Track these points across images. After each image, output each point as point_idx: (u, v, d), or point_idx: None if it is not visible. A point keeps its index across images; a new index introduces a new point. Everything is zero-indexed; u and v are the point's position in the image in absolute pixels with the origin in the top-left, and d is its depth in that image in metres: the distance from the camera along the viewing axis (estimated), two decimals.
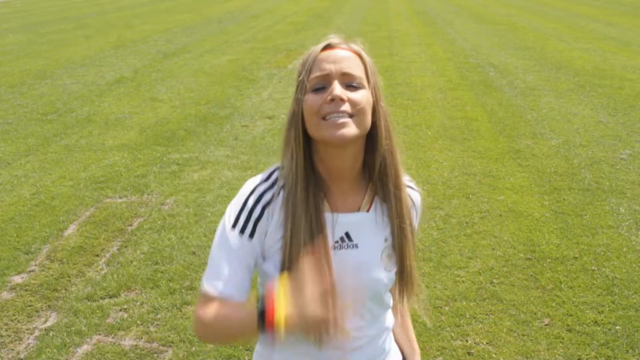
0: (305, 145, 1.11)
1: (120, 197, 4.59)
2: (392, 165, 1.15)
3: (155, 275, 3.44)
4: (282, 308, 0.98)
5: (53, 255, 3.71)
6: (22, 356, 2.80)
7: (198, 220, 4.14)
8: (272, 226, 1.12)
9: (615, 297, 3.14)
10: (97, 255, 3.72)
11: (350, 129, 1.07)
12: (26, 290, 3.34)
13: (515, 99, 7.28)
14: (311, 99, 1.09)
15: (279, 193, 1.13)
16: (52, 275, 3.48)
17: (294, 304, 0.98)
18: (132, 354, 2.79)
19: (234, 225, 1.12)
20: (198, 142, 5.87)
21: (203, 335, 1.16)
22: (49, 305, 3.20)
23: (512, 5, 19.11)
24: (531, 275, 3.36)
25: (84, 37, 13.92)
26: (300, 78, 1.11)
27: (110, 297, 3.24)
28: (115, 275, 3.44)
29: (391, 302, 1.32)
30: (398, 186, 1.16)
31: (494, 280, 3.33)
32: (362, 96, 1.10)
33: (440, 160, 5.20)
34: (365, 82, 1.12)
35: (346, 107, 1.07)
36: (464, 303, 3.12)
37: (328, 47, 1.13)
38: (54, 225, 4.14)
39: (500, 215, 4.11)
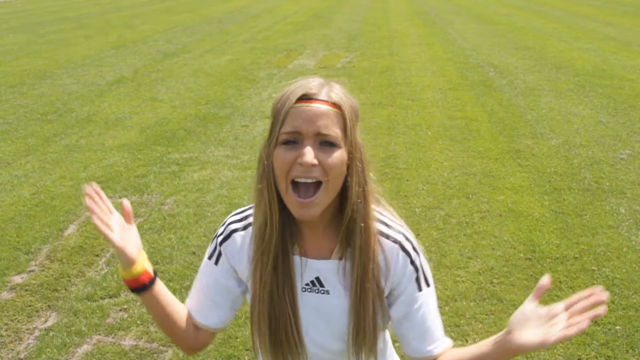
0: (277, 196, 1.07)
1: (120, 197, 4.59)
2: (362, 217, 1.08)
3: None
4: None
5: (53, 255, 3.71)
6: (22, 356, 2.80)
7: (198, 220, 4.14)
8: (240, 262, 1.19)
9: (615, 297, 3.14)
10: (97, 255, 3.72)
11: (317, 209, 1.03)
12: (26, 290, 3.34)
13: (515, 99, 7.28)
14: (281, 156, 1.02)
15: (246, 228, 1.18)
16: (52, 275, 3.48)
17: None
18: (132, 354, 2.79)
19: (209, 257, 1.25)
20: (198, 142, 5.87)
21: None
22: (49, 305, 3.20)
23: (512, 5, 19.11)
24: (531, 275, 3.36)
25: (84, 37, 13.92)
26: (272, 128, 1.05)
27: (110, 297, 3.24)
28: (115, 275, 3.44)
29: (387, 348, 1.30)
30: (365, 239, 1.09)
31: (494, 280, 3.33)
32: (336, 159, 1.02)
33: (440, 160, 5.20)
34: (341, 140, 1.03)
35: (316, 172, 1.01)
36: (464, 303, 3.12)
37: (305, 98, 1.02)
38: (54, 225, 4.14)
39: (500, 215, 4.11)
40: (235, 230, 1.19)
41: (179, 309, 1.24)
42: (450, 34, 13.05)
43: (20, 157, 5.61)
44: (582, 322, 0.99)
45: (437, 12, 17.86)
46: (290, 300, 1.11)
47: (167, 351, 2.80)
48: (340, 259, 1.11)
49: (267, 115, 6.91)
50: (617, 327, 2.89)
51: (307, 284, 1.14)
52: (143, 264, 1.18)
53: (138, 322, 3.01)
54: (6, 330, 2.99)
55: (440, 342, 1.23)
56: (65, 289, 3.34)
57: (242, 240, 1.17)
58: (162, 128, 6.41)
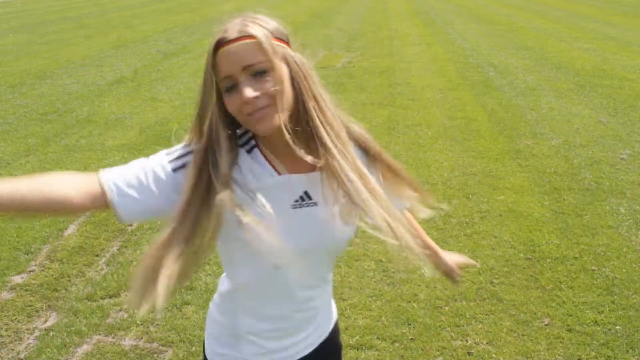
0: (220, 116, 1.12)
1: None
2: (324, 122, 1.13)
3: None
4: None
5: (53, 255, 3.71)
6: (22, 356, 2.80)
7: None
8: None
9: (615, 297, 3.14)
10: (97, 255, 3.72)
11: (275, 119, 1.09)
12: (26, 290, 3.34)
13: (515, 99, 7.28)
14: (229, 104, 1.10)
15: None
16: (52, 275, 3.49)
17: None
18: (132, 354, 2.79)
19: (170, 161, 1.16)
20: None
21: None
22: (49, 305, 3.20)
23: (512, 5, 19.11)
24: (531, 275, 3.36)
25: (84, 37, 13.92)
26: (208, 83, 1.11)
27: (110, 297, 3.24)
28: (115, 275, 3.44)
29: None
30: (337, 141, 1.13)
31: (494, 280, 3.33)
32: (273, 81, 1.08)
33: (440, 160, 5.20)
34: (269, 63, 1.08)
35: (262, 101, 1.08)
36: (464, 303, 3.12)
37: (221, 44, 1.09)
38: (54, 225, 4.14)
39: (500, 215, 4.11)
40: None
41: (35, 190, 1.04)
42: (450, 34, 13.05)
43: (20, 157, 5.61)
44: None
45: (437, 12, 17.86)
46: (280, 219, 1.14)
47: (167, 351, 2.80)
48: (322, 169, 1.14)
49: None
50: (617, 327, 2.89)
51: (296, 200, 1.18)
52: None
53: (138, 322, 3.01)
54: (6, 330, 2.99)
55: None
56: (65, 289, 3.34)
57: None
58: (162, 128, 6.41)
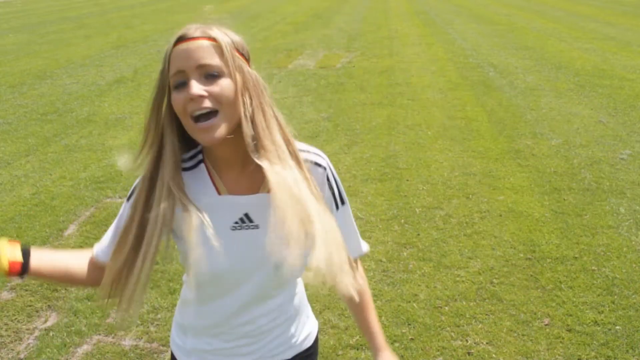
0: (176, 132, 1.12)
1: (120, 197, 4.59)
2: (271, 141, 1.09)
3: (155, 275, 3.44)
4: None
5: None
6: (22, 356, 2.80)
7: None
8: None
9: (615, 297, 3.14)
10: None
11: (219, 130, 1.06)
12: (26, 290, 3.34)
13: (515, 99, 7.28)
14: (175, 99, 1.08)
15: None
16: None
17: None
18: (132, 354, 2.79)
19: (127, 199, 1.21)
20: None
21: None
22: (49, 305, 3.20)
23: (512, 5, 19.11)
24: (531, 275, 3.36)
25: (84, 37, 13.92)
26: (160, 76, 1.10)
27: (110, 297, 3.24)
28: None
29: (297, 283, 1.35)
30: (281, 162, 1.09)
31: (494, 280, 3.33)
32: (224, 87, 1.06)
33: (440, 160, 5.20)
34: (224, 69, 1.07)
35: (208, 102, 1.06)
36: (464, 303, 3.12)
37: (181, 39, 1.09)
38: (54, 225, 4.14)
39: (500, 215, 4.11)
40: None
41: (72, 264, 1.24)
42: (450, 34, 13.05)
43: (20, 157, 5.61)
44: None
45: (437, 12, 17.86)
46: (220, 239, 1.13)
47: (167, 351, 2.80)
48: (269, 191, 1.09)
49: None
50: (617, 327, 2.90)
51: (235, 222, 1.16)
52: (5, 259, 1.12)
53: (138, 322, 3.01)
54: (6, 330, 2.99)
55: (362, 244, 1.33)
56: (65, 289, 3.34)
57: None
58: None
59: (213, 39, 1.08)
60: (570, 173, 4.84)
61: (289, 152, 1.11)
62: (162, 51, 9.70)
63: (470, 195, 4.45)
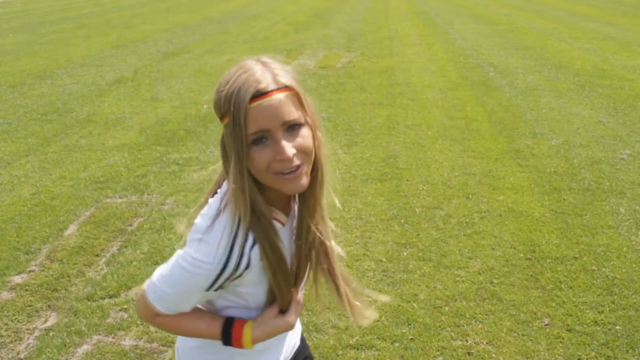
0: (255, 187, 1.10)
1: (120, 197, 4.59)
2: (323, 167, 1.15)
3: None
4: (248, 332, 1.19)
5: (53, 255, 3.71)
6: (22, 356, 2.80)
7: None
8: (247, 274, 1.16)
9: (615, 297, 3.14)
10: (97, 255, 3.72)
11: (305, 179, 1.08)
12: (26, 290, 3.34)
13: (515, 99, 7.28)
14: (257, 157, 1.04)
15: (247, 246, 1.13)
16: (52, 275, 3.48)
17: (259, 323, 1.20)
18: (132, 354, 2.79)
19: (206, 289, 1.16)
20: (198, 142, 5.87)
21: (158, 328, 1.33)
22: (49, 305, 3.20)
23: (512, 5, 19.11)
24: (531, 275, 3.36)
25: (84, 37, 13.92)
26: (233, 129, 1.02)
27: (110, 297, 3.24)
28: (115, 275, 3.44)
29: None
30: (318, 216, 1.19)
31: (494, 280, 3.33)
32: (306, 137, 1.06)
33: (440, 160, 5.20)
34: (304, 116, 1.06)
35: (297, 160, 1.05)
36: (464, 303, 3.12)
37: (257, 95, 1.01)
38: (54, 225, 4.14)
39: (500, 215, 4.11)
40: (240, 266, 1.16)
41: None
42: (450, 34, 13.05)
43: (20, 157, 5.61)
44: None
45: (437, 12, 17.86)
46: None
47: (167, 351, 2.80)
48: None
49: None
50: (617, 327, 2.89)
51: (294, 234, 1.23)
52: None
53: (138, 322, 3.01)
54: (6, 330, 2.99)
55: None
56: (65, 289, 3.34)
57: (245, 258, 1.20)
58: (162, 128, 6.41)
59: (289, 88, 1.04)
60: (570, 173, 4.84)
61: (326, 166, 1.19)
62: (162, 51, 9.65)
63: (470, 195, 4.45)
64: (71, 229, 4.08)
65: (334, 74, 8.88)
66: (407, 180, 4.76)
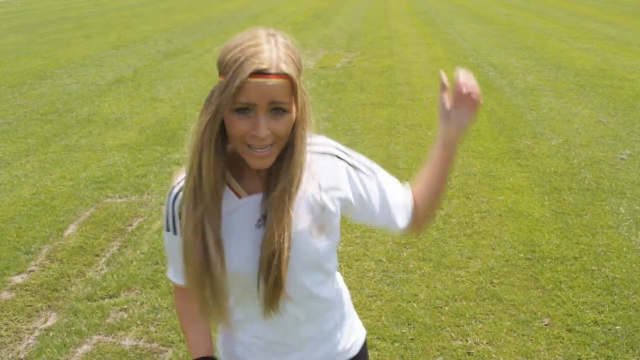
0: (218, 143, 1.13)
1: (120, 197, 4.59)
2: (297, 164, 1.16)
3: (155, 275, 3.44)
4: None
5: (53, 255, 3.71)
6: (22, 356, 2.80)
7: None
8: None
9: (615, 297, 3.14)
10: (97, 255, 3.72)
11: (272, 158, 1.13)
12: (26, 290, 3.34)
13: (515, 99, 7.28)
14: (236, 125, 1.09)
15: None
16: (52, 275, 3.48)
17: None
18: (132, 354, 2.79)
19: (166, 229, 1.26)
20: None
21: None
22: (49, 305, 3.20)
23: (512, 5, 19.11)
24: (531, 275, 3.36)
25: (84, 37, 13.92)
26: (224, 90, 1.07)
27: (110, 297, 3.24)
28: (115, 275, 3.44)
29: (330, 277, 1.34)
30: (295, 166, 1.17)
31: (494, 280, 3.33)
32: (286, 124, 1.11)
33: None
34: (292, 105, 1.11)
35: (269, 140, 1.10)
36: (464, 303, 3.12)
37: (258, 74, 1.06)
38: (54, 225, 4.14)
39: (500, 215, 4.11)
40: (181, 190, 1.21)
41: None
42: (450, 34, 13.05)
43: (20, 157, 5.61)
44: (474, 94, 1.31)
45: (437, 12, 17.86)
46: (249, 237, 1.19)
47: (167, 351, 2.80)
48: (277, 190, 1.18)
49: None
50: (617, 327, 2.90)
51: (259, 219, 1.20)
52: None
53: (138, 322, 3.01)
54: (6, 330, 2.99)
55: (407, 194, 1.42)
56: (65, 289, 3.34)
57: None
58: (162, 128, 6.41)
59: (288, 77, 1.08)
60: (570, 173, 4.84)
61: (303, 162, 1.18)
62: (161, 51, 9.66)
63: (470, 195, 4.45)
64: (71, 229, 4.08)
65: (334, 74, 8.88)
66: (407, 180, 4.75)
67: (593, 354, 2.72)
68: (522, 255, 3.59)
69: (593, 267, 3.43)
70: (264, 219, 1.18)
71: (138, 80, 8.97)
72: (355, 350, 1.42)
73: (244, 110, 1.08)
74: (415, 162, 5.15)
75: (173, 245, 1.23)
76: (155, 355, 2.78)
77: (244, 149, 1.11)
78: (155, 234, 3.96)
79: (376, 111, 6.84)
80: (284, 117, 1.10)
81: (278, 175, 1.16)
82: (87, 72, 9.69)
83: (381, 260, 3.56)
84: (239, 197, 1.19)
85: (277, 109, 1.09)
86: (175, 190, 1.21)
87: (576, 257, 3.54)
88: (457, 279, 3.35)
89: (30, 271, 3.55)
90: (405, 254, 3.64)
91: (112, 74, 9.43)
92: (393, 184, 1.39)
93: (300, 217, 1.19)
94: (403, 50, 11.02)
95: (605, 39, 11.76)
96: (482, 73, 8.82)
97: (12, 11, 22.19)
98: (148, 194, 4.65)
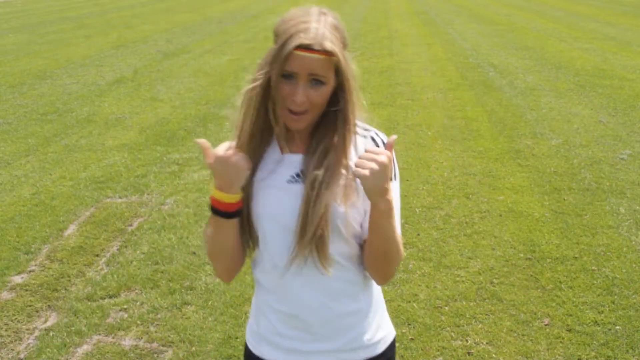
0: (265, 100, 1.25)
1: (120, 197, 4.59)
2: (347, 126, 1.28)
3: (155, 275, 3.44)
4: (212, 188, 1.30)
5: (53, 255, 3.71)
6: (22, 356, 2.80)
7: (198, 220, 4.14)
8: None
9: (615, 297, 3.14)
10: (97, 255, 3.72)
11: (304, 122, 1.25)
12: (26, 290, 3.34)
13: (515, 99, 7.28)
14: (280, 87, 1.22)
15: None
16: (52, 275, 3.48)
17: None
18: (132, 354, 2.79)
19: None
20: None
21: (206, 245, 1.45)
22: (49, 305, 3.20)
23: (512, 5, 19.11)
24: (531, 275, 3.36)
25: (84, 37, 13.92)
26: (276, 56, 1.20)
27: (110, 297, 3.24)
28: (115, 275, 3.44)
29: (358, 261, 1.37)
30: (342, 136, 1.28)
31: (494, 280, 3.33)
32: (323, 95, 1.23)
33: (440, 160, 5.20)
34: (330, 79, 1.23)
35: (305, 106, 1.22)
36: (464, 303, 3.12)
37: (303, 47, 1.18)
38: (54, 225, 4.14)
39: (500, 215, 4.11)
40: None
41: (238, 244, 1.35)
42: (450, 34, 13.05)
43: (20, 157, 5.61)
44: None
45: (437, 12, 17.86)
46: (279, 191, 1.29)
47: (167, 351, 2.80)
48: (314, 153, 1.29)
49: None
50: (617, 327, 2.90)
51: (292, 176, 1.30)
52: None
53: (138, 322, 3.01)
54: (6, 330, 2.99)
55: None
56: (65, 289, 3.34)
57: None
58: (162, 128, 6.41)
59: (331, 54, 1.21)
60: (570, 173, 4.84)
61: (350, 139, 1.29)
62: (162, 51, 9.65)
63: (470, 195, 4.45)
64: (71, 229, 4.08)
65: None
66: (407, 180, 4.76)
67: (593, 354, 2.72)
68: (522, 255, 3.59)
69: (593, 267, 3.43)
70: (297, 176, 1.29)
71: (138, 80, 8.97)
72: (381, 347, 1.42)
73: (289, 76, 1.21)
74: (415, 162, 5.15)
75: None
76: (155, 355, 2.78)
77: (284, 112, 1.24)
78: (155, 234, 3.96)
79: (376, 111, 6.84)
80: (321, 88, 1.22)
81: (319, 141, 1.29)
82: (87, 72, 9.69)
83: None
84: (282, 152, 1.32)
85: (316, 81, 1.21)
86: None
87: (576, 257, 3.54)
88: (457, 279, 3.35)
89: (30, 271, 3.55)
90: (405, 253, 3.64)
91: (112, 74, 9.43)
92: (398, 205, 1.37)
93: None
94: (403, 50, 11.02)
95: (605, 39, 11.76)
96: (482, 73, 8.82)
97: (12, 11, 22.19)
98: (148, 194, 4.65)
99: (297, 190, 1.27)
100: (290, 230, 1.27)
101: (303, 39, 1.18)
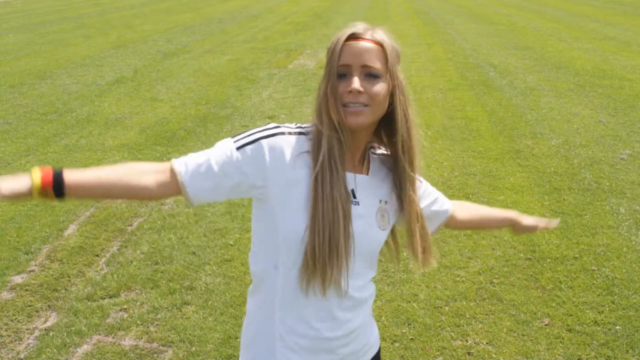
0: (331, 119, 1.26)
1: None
2: (406, 141, 1.28)
3: (155, 275, 3.45)
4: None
5: (53, 255, 3.71)
6: (22, 356, 2.80)
7: (198, 220, 4.14)
8: (279, 160, 1.24)
9: (615, 297, 3.14)
10: (97, 255, 3.72)
11: (365, 118, 1.22)
12: (26, 290, 3.34)
13: (515, 99, 7.28)
14: (336, 87, 1.22)
15: (300, 141, 1.27)
16: (52, 275, 3.48)
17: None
18: (132, 354, 2.79)
19: (235, 141, 1.29)
20: (198, 142, 5.87)
21: None
22: (49, 305, 3.20)
23: (512, 5, 19.11)
24: (531, 275, 3.36)
25: (84, 37, 13.92)
26: (328, 65, 1.23)
27: (110, 297, 3.24)
28: (115, 275, 3.44)
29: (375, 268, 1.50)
30: (412, 167, 1.31)
31: (494, 280, 3.33)
32: (379, 87, 1.22)
33: (440, 160, 5.20)
34: (384, 72, 1.23)
35: (363, 98, 1.21)
36: (464, 303, 3.12)
37: (352, 36, 1.22)
38: (54, 225, 4.14)
39: None
40: (283, 133, 1.26)
41: (117, 179, 1.30)
42: (450, 34, 13.05)
43: (20, 157, 5.61)
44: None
45: (437, 12, 17.86)
46: (345, 212, 1.26)
47: (167, 351, 2.80)
48: (367, 173, 1.33)
49: (268, 115, 6.91)
50: (617, 327, 2.90)
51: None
52: (32, 173, 1.17)
53: (138, 322, 3.01)
54: (6, 330, 2.99)
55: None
56: (65, 289, 3.34)
57: (289, 144, 1.25)
58: (162, 128, 6.41)
59: (380, 44, 1.23)
60: (570, 173, 4.84)
61: (415, 155, 1.32)
62: (161, 51, 9.68)
63: (470, 195, 4.45)
64: (71, 229, 4.08)
65: None
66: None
67: (593, 354, 2.72)
68: (522, 255, 3.59)
69: (593, 267, 3.43)
70: (347, 194, 1.27)
71: (138, 80, 8.97)
72: (373, 352, 1.58)
73: (344, 75, 1.21)
74: None
75: (228, 161, 1.25)
76: (155, 355, 2.78)
77: (341, 109, 1.22)
78: (155, 234, 3.96)
79: None
80: (377, 81, 1.22)
81: (373, 161, 1.33)
82: (87, 72, 9.69)
83: (381, 260, 3.55)
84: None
85: (370, 75, 1.21)
86: (289, 130, 1.27)
87: (576, 257, 3.54)
88: (457, 279, 3.35)
89: (30, 271, 3.55)
90: (405, 254, 3.63)
91: (112, 74, 9.43)
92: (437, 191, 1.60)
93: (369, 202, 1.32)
94: (403, 50, 10.96)
95: (605, 39, 11.76)
96: (482, 73, 8.82)
97: (12, 11, 22.19)
98: None
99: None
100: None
101: (353, 30, 1.23)
